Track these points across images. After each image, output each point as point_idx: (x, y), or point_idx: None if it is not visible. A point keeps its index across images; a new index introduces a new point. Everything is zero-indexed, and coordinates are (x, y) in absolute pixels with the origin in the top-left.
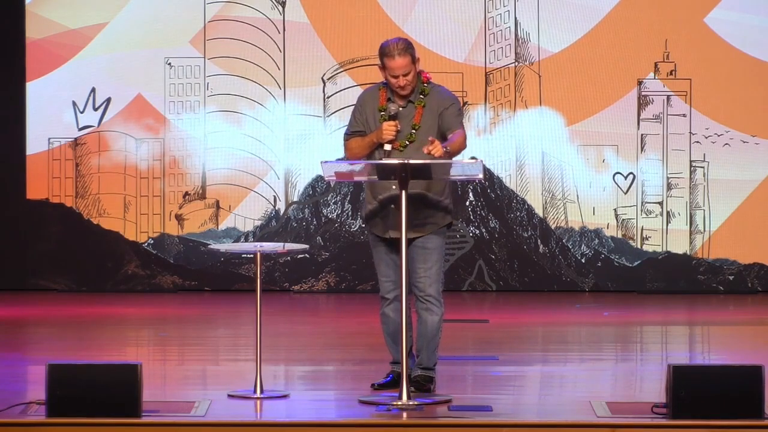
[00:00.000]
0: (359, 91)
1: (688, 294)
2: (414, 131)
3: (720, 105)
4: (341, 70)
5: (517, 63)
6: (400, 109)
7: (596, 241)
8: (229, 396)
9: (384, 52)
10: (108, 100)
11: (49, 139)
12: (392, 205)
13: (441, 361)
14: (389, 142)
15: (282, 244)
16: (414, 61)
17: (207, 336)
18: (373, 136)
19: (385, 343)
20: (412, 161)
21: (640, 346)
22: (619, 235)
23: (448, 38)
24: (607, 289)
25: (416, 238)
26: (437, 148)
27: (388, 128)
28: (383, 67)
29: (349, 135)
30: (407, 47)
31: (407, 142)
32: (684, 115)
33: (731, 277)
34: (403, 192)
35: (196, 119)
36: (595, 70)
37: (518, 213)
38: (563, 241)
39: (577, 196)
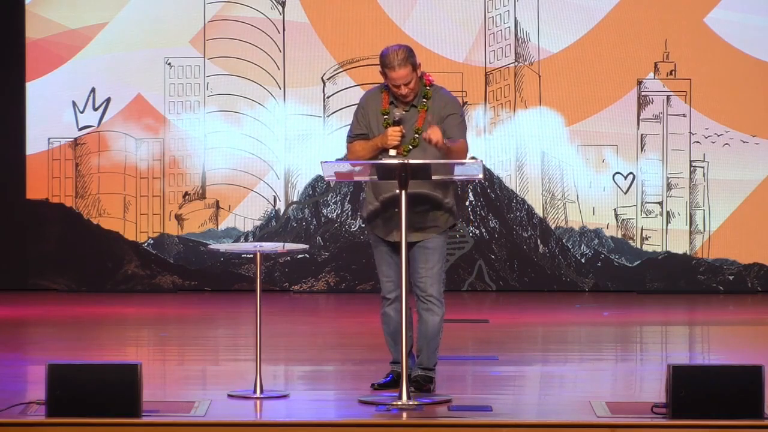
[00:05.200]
0: (359, 90)
1: (688, 294)
2: (417, 135)
3: (720, 105)
4: (341, 70)
5: (516, 63)
6: (404, 113)
7: (596, 241)
8: (229, 396)
9: (384, 62)
10: (108, 100)
11: (49, 139)
12: (395, 208)
13: (441, 361)
14: (394, 147)
15: (282, 244)
16: (415, 68)
17: (207, 336)
18: (377, 140)
19: (386, 343)
20: (412, 161)
21: (640, 346)
22: (619, 235)
23: (448, 38)
24: (607, 289)
25: (419, 241)
26: (436, 133)
27: (393, 134)
28: (384, 75)
29: (351, 137)
30: (407, 57)
31: (410, 147)
32: (684, 115)
33: (731, 277)
34: (403, 192)
35: (196, 119)
36: (595, 70)
37: (518, 213)
38: (563, 241)
39: (577, 196)
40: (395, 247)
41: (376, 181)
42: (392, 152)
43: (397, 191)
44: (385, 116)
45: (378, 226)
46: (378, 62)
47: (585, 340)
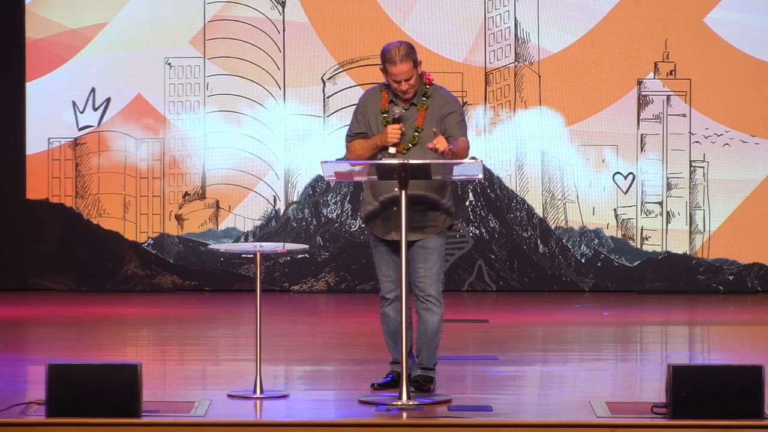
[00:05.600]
0: (359, 91)
1: (688, 294)
2: (417, 134)
3: (720, 105)
4: (341, 70)
5: (516, 63)
6: (404, 111)
7: (596, 241)
8: (229, 396)
9: (386, 57)
10: (108, 100)
11: (49, 139)
12: (394, 207)
13: (441, 361)
14: (394, 145)
15: (282, 244)
16: (416, 65)
17: (207, 336)
18: (377, 139)
19: (385, 343)
20: (411, 161)
21: (640, 346)
22: (619, 235)
23: (447, 38)
24: (607, 289)
25: (417, 240)
26: (442, 143)
27: (393, 132)
28: (385, 71)
29: (351, 136)
30: (409, 53)
31: (410, 145)
32: (684, 115)
33: (731, 277)
34: (403, 192)
35: (196, 119)
36: (595, 70)
37: (518, 213)
38: (563, 241)
39: (577, 196)
40: (394, 247)
41: (375, 181)
42: (392, 150)
43: (395, 190)
44: (385, 114)
45: (376, 226)
46: (379, 61)
47: (585, 340)
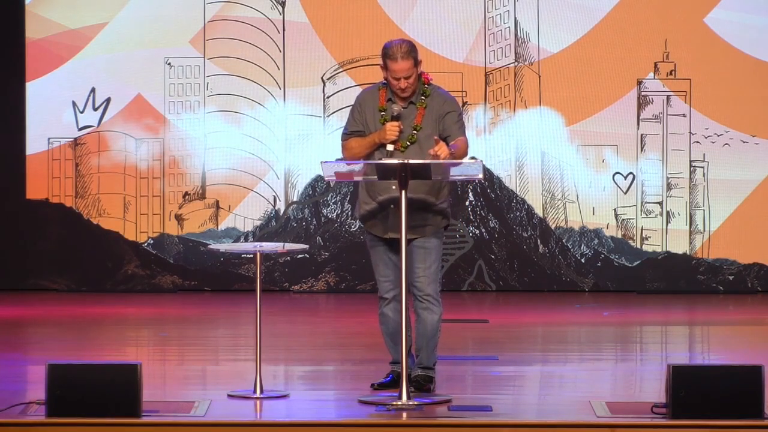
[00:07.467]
0: (359, 90)
1: (687, 294)
2: (415, 132)
3: (720, 105)
4: (341, 70)
5: (516, 63)
6: (402, 109)
7: (596, 241)
8: (229, 396)
9: (387, 53)
10: (108, 100)
11: (48, 139)
12: (392, 206)
13: (441, 361)
14: (392, 142)
15: (282, 244)
16: (416, 64)
17: (207, 336)
18: (374, 136)
19: (385, 343)
20: (411, 161)
21: (640, 346)
22: (619, 235)
23: (447, 38)
24: (606, 289)
25: (415, 238)
26: (443, 150)
27: (392, 129)
28: (385, 68)
29: (347, 135)
30: (410, 50)
31: (408, 143)
32: (684, 115)
33: (731, 277)
34: (403, 192)
35: (196, 119)
36: (595, 70)
37: (518, 213)
38: (563, 241)
39: (577, 196)
40: (392, 246)
41: (375, 180)
42: (390, 147)
43: (393, 189)
44: (383, 113)
45: (375, 226)
46: (379, 60)
47: (585, 340)
